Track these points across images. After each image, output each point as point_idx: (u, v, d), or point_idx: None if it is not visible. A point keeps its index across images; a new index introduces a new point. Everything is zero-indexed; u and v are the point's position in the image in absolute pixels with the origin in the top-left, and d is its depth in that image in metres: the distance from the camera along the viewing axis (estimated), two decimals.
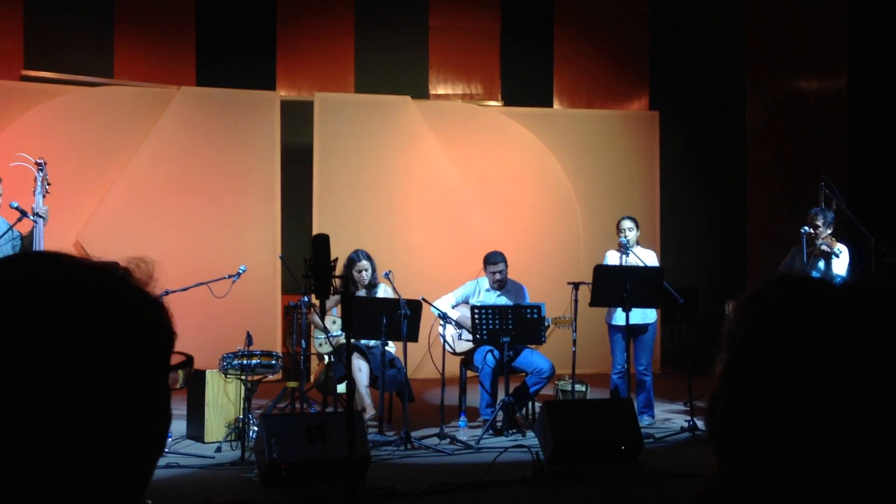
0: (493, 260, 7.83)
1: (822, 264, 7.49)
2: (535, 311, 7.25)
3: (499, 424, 7.20)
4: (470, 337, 7.45)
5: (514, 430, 7.17)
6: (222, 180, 10.39)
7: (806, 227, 7.47)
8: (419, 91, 11.79)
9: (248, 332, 6.75)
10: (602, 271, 7.41)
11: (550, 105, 12.27)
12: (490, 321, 7.21)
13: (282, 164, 10.63)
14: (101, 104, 10.20)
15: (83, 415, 0.83)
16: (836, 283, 0.97)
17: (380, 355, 7.09)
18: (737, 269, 11.75)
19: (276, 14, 11.75)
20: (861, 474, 0.89)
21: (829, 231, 7.49)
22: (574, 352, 7.43)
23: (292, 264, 7.56)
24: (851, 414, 0.90)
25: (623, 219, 7.86)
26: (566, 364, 7.63)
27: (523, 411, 7.58)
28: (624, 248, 7.69)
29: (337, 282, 4.65)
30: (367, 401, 7.45)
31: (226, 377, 6.76)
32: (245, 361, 6.60)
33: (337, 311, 7.75)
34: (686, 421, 7.30)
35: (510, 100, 12.02)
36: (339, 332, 7.47)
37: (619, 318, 7.60)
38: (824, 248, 7.42)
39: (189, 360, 0.95)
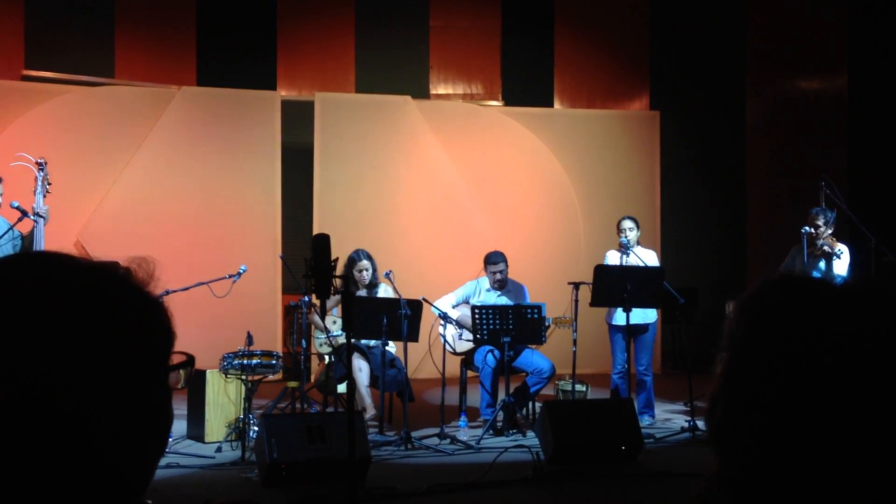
0: (494, 260, 7.83)
1: (822, 265, 7.48)
2: (536, 311, 7.25)
3: (499, 424, 7.20)
4: (470, 337, 7.45)
5: (514, 430, 7.16)
6: (222, 180, 10.40)
7: (806, 227, 7.46)
8: (420, 91, 11.80)
9: (248, 332, 6.75)
10: (602, 271, 7.41)
11: (551, 105, 12.27)
12: (490, 321, 7.21)
13: (282, 164, 10.63)
14: (102, 104, 10.20)
15: (83, 414, 0.83)
16: (836, 284, 0.98)
17: (380, 355, 7.09)
18: (737, 269, 11.76)
19: (277, 14, 11.75)
20: (861, 474, 0.89)
21: (830, 231, 7.49)
22: (574, 352, 7.43)
23: (292, 264, 7.56)
24: (851, 414, 0.90)
25: (623, 219, 7.86)
26: (566, 364, 7.63)
27: (524, 411, 7.58)
28: (624, 248, 7.69)
29: (337, 282, 4.65)
30: (368, 401, 7.45)
31: (226, 377, 6.76)
32: (245, 361, 6.60)
33: (337, 311, 7.75)
34: (686, 421, 7.30)
35: (511, 100, 12.02)
36: (340, 332, 7.47)
37: (619, 318, 7.60)
38: (825, 248, 7.42)
39: (190, 359, 0.95)
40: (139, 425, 0.88)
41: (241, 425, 6.37)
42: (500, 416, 7.23)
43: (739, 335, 0.97)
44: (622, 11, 12.35)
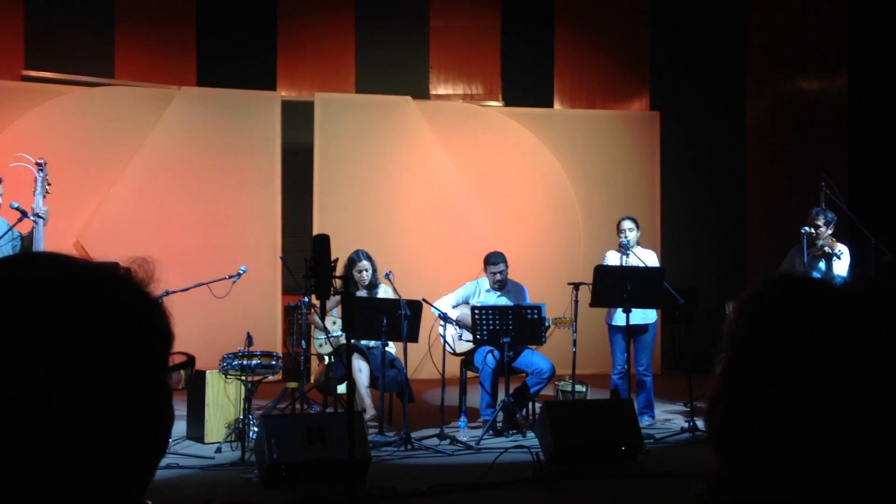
0: (494, 260, 7.83)
1: (822, 265, 7.48)
2: (536, 311, 7.25)
3: (499, 425, 7.20)
4: (470, 337, 7.45)
5: (514, 431, 7.16)
6: (223, 180, 10.39)
7: (806, 228, 7.46)
8: (420, 91, 11.80)
9: (248, 333, 6.75)
10: (602, 272, 7.41)
11: (551, 105, 12.27)
12: (490, 321, 7.21)
13: (282, 164, 10.63)
14: (102, 104, 10.20)
15: (82, 415, 0.83)
16: (836, 284, 0.98)
17: (380, 356, 7.09)
18: (737, 269, 11.75)
19: (277, 14, 11.76)
20: (861, 474, 0.89)
21: (830, 231, 7.49)
22: (574, 352, 7.43)
23: (292, 264, 7.56)
24: (851, 414, 0.90)
25: (623, 219, 7.86)
26: (566, 364, 7.63)
27: (523, 412, 7.58)
28: (624, 249, 7.69)
29: (337, 282, 4.65)
30: (368, 401, 7.45)
31: (226, 378, 6.76)
32: (245, 362, 6.60)
33: (337, 311, 7.75)
34: (686, 421, 7.30)
35: (511, 100, 12.02)
36: (340, 333, 7.47)
37: (619, 318, 7.60)
38: (825, 248, 7.42)
39: (191, 360, 0.95)
40: (139, 426, 0.88)
41: (240, 426, 6.37)
42: (500, 416, 7.23)
43: (739, 335, 0.97)
44: (622, 11, 12.35)
